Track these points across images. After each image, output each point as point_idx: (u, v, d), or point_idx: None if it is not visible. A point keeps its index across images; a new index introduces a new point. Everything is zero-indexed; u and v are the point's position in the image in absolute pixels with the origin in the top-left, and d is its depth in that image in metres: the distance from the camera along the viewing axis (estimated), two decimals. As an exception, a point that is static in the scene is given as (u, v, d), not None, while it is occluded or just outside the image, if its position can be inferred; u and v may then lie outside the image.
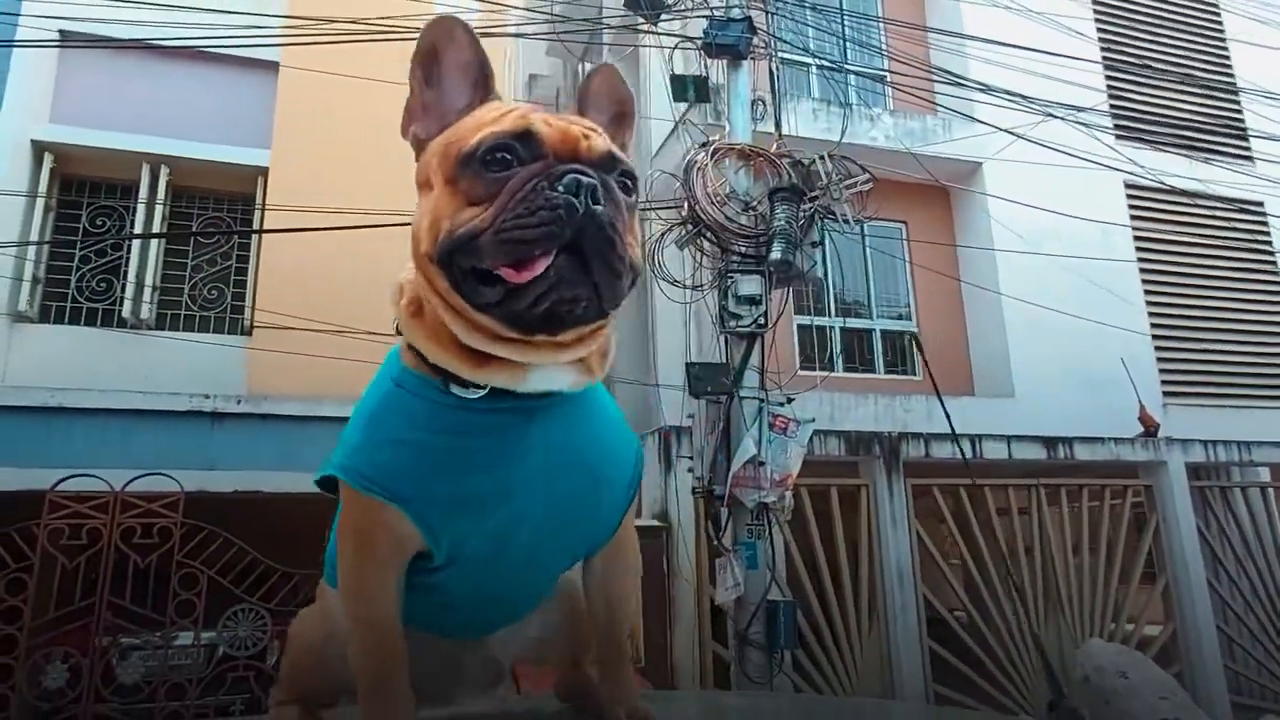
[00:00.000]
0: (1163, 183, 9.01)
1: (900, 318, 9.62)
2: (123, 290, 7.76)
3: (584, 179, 0.97)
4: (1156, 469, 8.37)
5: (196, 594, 5.70)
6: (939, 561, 7.63)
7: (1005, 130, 7.72)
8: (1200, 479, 8.62)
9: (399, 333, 1.13)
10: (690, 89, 6.26)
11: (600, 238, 0.97)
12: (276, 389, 7.18)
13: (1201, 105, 10.77)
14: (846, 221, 5.79)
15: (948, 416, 6.13)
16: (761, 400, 5.50)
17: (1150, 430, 8.49)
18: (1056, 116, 7.41)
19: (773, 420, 5.46)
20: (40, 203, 7.70)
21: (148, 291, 7.75)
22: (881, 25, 9.75)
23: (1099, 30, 10.48)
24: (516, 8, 8.63)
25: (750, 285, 5.55)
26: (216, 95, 8.29)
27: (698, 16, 6.26)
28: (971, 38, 8.56)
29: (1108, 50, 10.45)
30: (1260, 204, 10.38)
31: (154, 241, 7.92)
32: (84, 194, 8.20)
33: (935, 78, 8.63)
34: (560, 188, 0.96)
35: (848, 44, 9.62)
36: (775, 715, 1.76)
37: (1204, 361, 9.86)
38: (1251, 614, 8.51)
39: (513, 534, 1.13)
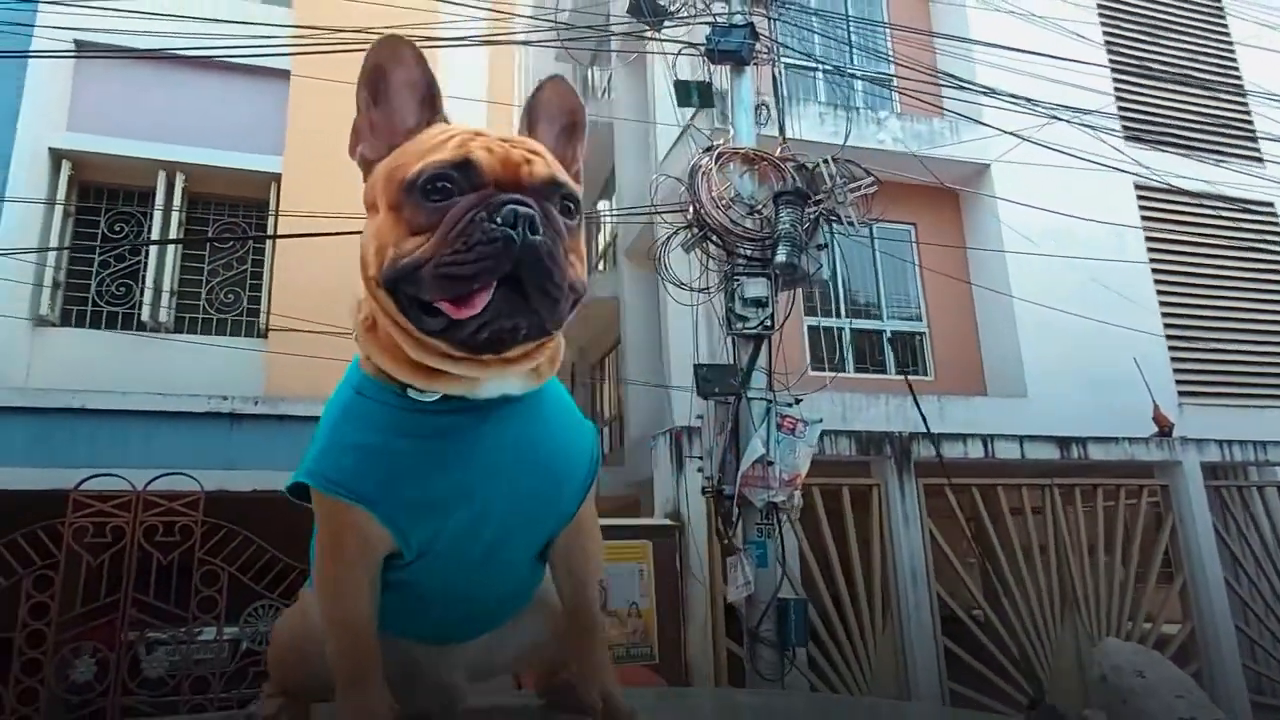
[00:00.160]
0: (1169, 184, 8.97)
1: (911, 318, 9.63)
2: (142, 295, 7.90)
3: (521, 209, 0.98)
4: (1172, 469, 8.34)
5: (218, 590, 5.82)
6: (953, 561, 7.64)
7: (1009, 133, 7.73)
8: (1217, 479, 8.59)
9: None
10: (694, 95, 6.31)
11: (539, 268, 0.98)
12: (292, 390, 7.29)
13: (1209, 107, 10.73)
14: (851, 224, 5.83)
15: (923, 416, 6.14)
16: (769, 401, 5.55)
17: (1165, 430, 8.47)
18: (1062, 119, 7.41)
19: (781, 420, 5.51)
20: (59, 209, 7.84)
21: (166, 296, 7.88)
22: (887, 30, 9.77)
23: (1105, 34, 10.46)
24: (521, 15, 8.71)
25: (756, 288, 5.60)
26: (230, 103, 8.43)
27: (700, 23, 6.32)
28: (977, 42, 8.58)
29: (1114, 53, 10.43)
30: (1270, 205, 10.37)
31: (171, 247, 8.06)
32: (102, 201, 8.35)
33: (940, 81, 8.64)
34: (498, 219, 0.97)
35: (853, 49, 9.63)
36: (788, 714, 1.75)
37: (1218, 361, 9.82)
38: (1273, 615, 8.47)
39: (477, 530, 1.15)
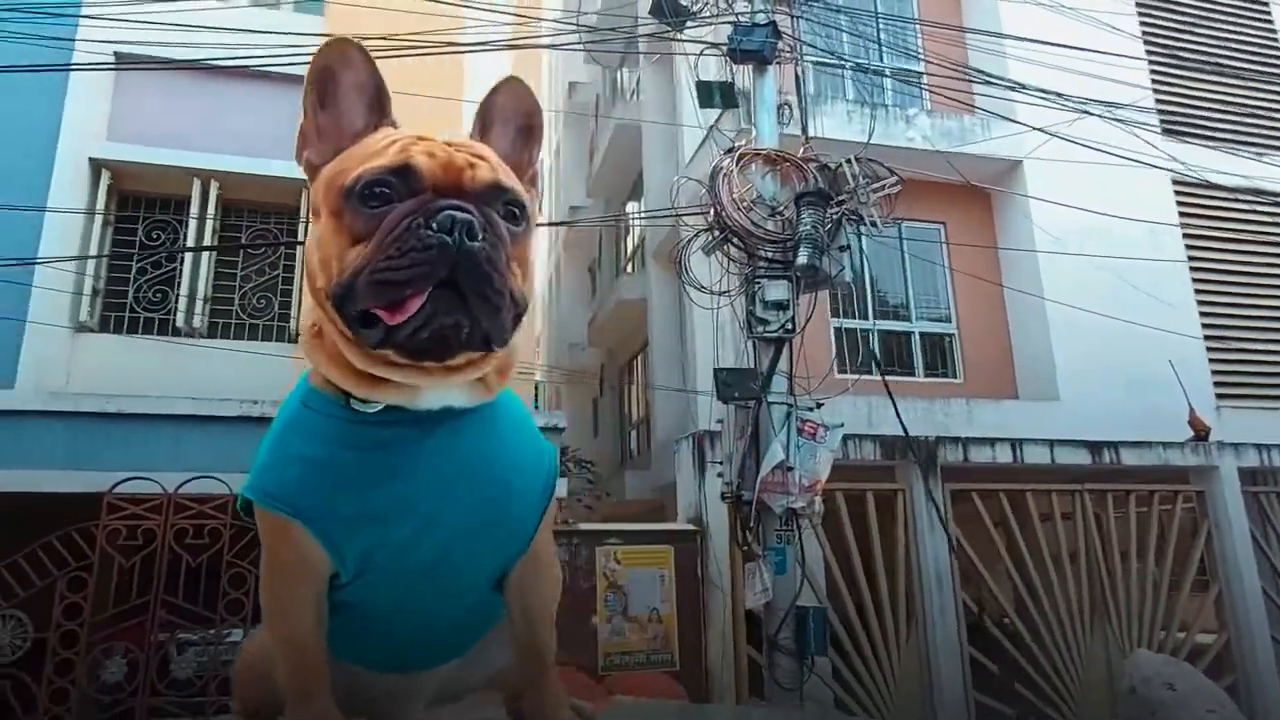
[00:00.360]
0: (1207, 180, 8.72)
1: (940, 319, 9.49)
2: (177, 301, 8.08)
3: (459, 215, 0.95)
4: (1208, 474, 8.13)
5: (245, 593, 5.92)
6: (980, 568, 7.52)
7: (1039, 129, 7.57)
8: (1255, 485, 8.34)
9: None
10: (716, 96, 6.28)
11: (476, 274, 0.95)
12: (321, 395, 7.37)
13: (1250, 99, 10.42)
14: (874, 224, 5.76)
15: (899, 418, 6.00)
16: (790, 405, 5.51)
17: (1201, 434, 8.24)
18: (1094, 114, 7.25)
19: (801, 425, 5.46)
20: (99, 218, 8.04)
21: (200, 302, 8.05)
22: (917, 26, 9.64)
23: (1142, 25, 10.20)
24: (546, 20, 8.75)
25: (777, 290, 5.56)
26: (262, 112, 8.57)
27: (723, 22, 6.28)
28: (1009, 36, 8.43)
29: (1151, 45, 10.18)
30: (1316, 200, 10.04)
31: (205, 253, 8.23)
32: (139, 209, 8.55)
33: (966, 76, 8.50)
34: (435, 225, 0.95)
35: (882, 45, 9.52)
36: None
37: (1258, 363, 9.52)
38: (1313, 626, 8.22)
39: (418, 544, 1.13)
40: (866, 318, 9.20)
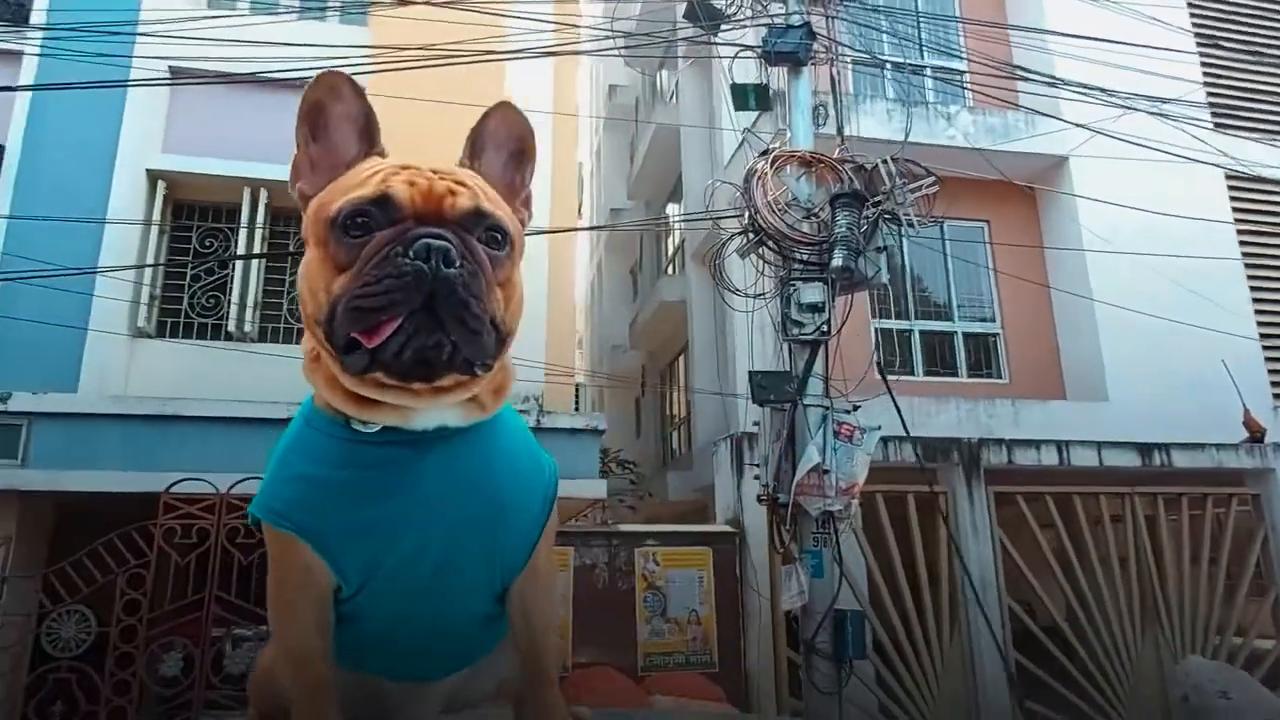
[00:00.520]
0: (1260, 175, 8.45)
1: (984, 319, 9.35)
2: (228, 306, 8.33)
3: (435, 243, 0.97)
4: (1264, 476, 7.87)
5: (294, 592, 6.06)
6: (1026, 572, 7.39)
7: (1082, 125, 7.41)
8: (1316, 487, 8.06)
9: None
10: (750, 98, 6.28)
11: (452, 300, 0.97)
12: (367, 398, 7.54)
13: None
14: (911, 225, 5.71)
15: (902, 420, 5.88)
16: (826, 408, 5.49)
17: (1257, 436, 7.99)
18: (1142, 110, 7.07)
19: (838, 428, 5.43)
20: (155, 228, 8.34)
21: (250, 309, 8.29)
22: (960, 24, 9.51)
23: (1193, 17, 9.90)
24: (580, 26, 8.82)
25: (812, 293, 5.54)
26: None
27: (757, 25, 6.28)
28: (1052, 32, 8.27)
29: (1203, 37, 9.87)
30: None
31: (256, 260, 8.47)
32: (193, 218, 8.83)
33: (1009, 73, 8.35)
34: (412, 253, 0.97)
35: (923, 44, 9.41)
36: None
37: (1319, 362, 9.21)
38: (1378, 632, 7.91)
39: (417, 560, 1.16)
40: (908, 318, 9.11)
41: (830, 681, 5.22)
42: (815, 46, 6.22)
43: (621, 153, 16.17)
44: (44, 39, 7.82)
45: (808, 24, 6.17)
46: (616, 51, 8.57)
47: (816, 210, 5.72)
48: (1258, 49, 9.99)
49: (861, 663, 5.86)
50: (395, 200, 1.03)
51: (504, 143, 1.21)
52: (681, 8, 7.52)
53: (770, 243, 5.73)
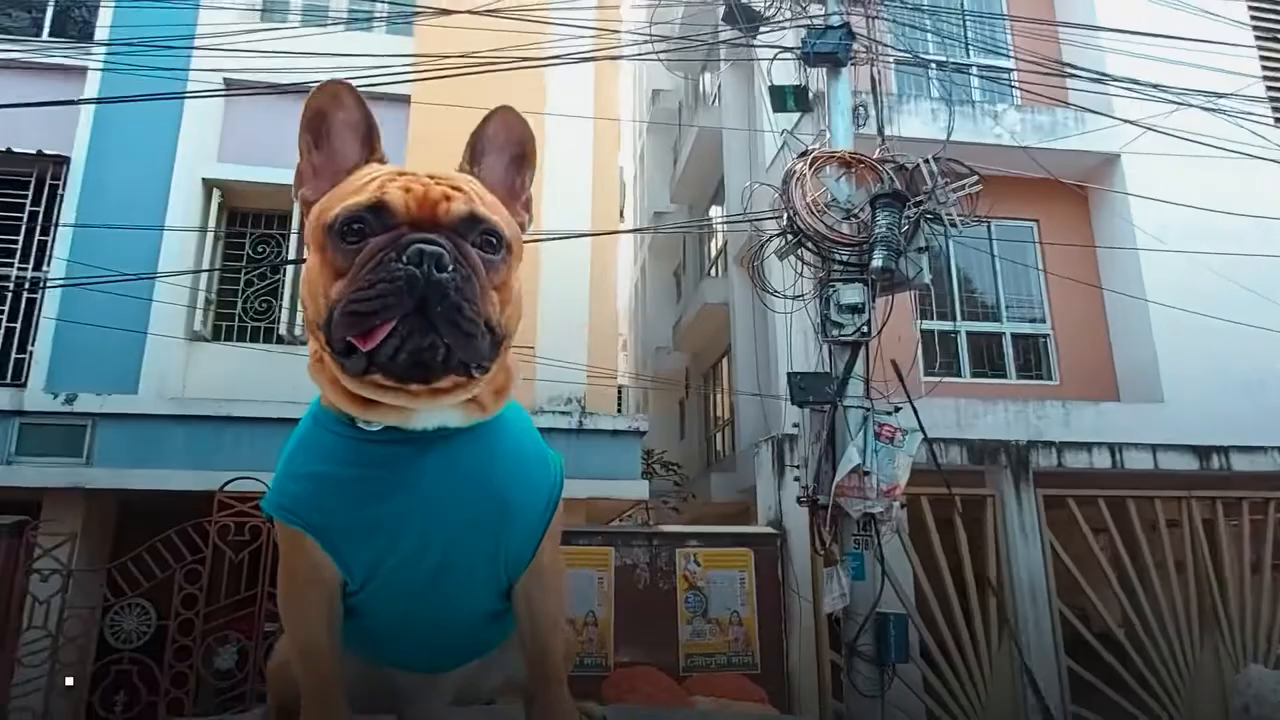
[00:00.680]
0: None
1: (1034, 320, 9.16)
2: (279, 310, 8.56)
3: (428, 248, 0.99)
4: (1330, 480, 7.60)
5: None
6: (1078, 577, 7.22)
7: (1132, 122, 7.22)
8: (1386, 490, 7.74)
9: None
10: (789, 100, 6.26)
11: (445, 304, 0.99)
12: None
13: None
14: (954, 224, 5.64)
15: (918, 418, 5.73)
16: (866, 409, 5.45)
17: (1321, 438, 7.71)
18: (1195, 105, 6.87)
19: (878, 429, 5.39)
20: (210, 234, 8.61)
21: (300, 313, 8.50)
22: (1007, 22, 9.34)
23: (1251, 10, 9.56)
24: (618, 31, 8.87)
25: (852, 294, 5.51)
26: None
27: (796, 26, 6.26)
28: (1103, 29, 8.08)
29: (1262, 31, 9.53)
30: None
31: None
32: (247, 224, 9.09)
33: (1053, 70, 8.17)
34: (405, 258, 0.99)
35: (969, 43, 9.27)
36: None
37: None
38: None
39: (419, 556, 1.17)
40: (954, 319, 8.97)
41: (872, 685, 5.17)
42: (855, 46, 6.19)
43: (665, 156, 16.21)
44: (106, 54, 8.14)
45: (847, 24, 6.13)
46: (656, 56, 8.59)
47: (856, 211, 5.69)
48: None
49: (908, 669, 5.80)
50: (390, 206, 1.05)
51: (504, 146, 1.23)
52: (722, 9, 7.54)
53: (809, 244, 5.71)
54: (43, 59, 8.35)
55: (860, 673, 5.21)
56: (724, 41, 8.28)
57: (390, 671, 1.36)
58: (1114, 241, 8.83)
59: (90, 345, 7.45)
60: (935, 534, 6.89)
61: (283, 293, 8.63)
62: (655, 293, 16.55)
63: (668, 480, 12.07)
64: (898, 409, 5.51)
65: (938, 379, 6.93)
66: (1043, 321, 9.11)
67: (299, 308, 8.37)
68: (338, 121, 1.18)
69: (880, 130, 6.08)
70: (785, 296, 5.95)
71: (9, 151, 7.74)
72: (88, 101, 7.99)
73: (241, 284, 8.89)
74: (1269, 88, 9.18)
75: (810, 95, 6.62)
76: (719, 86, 12.29)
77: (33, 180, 8.00)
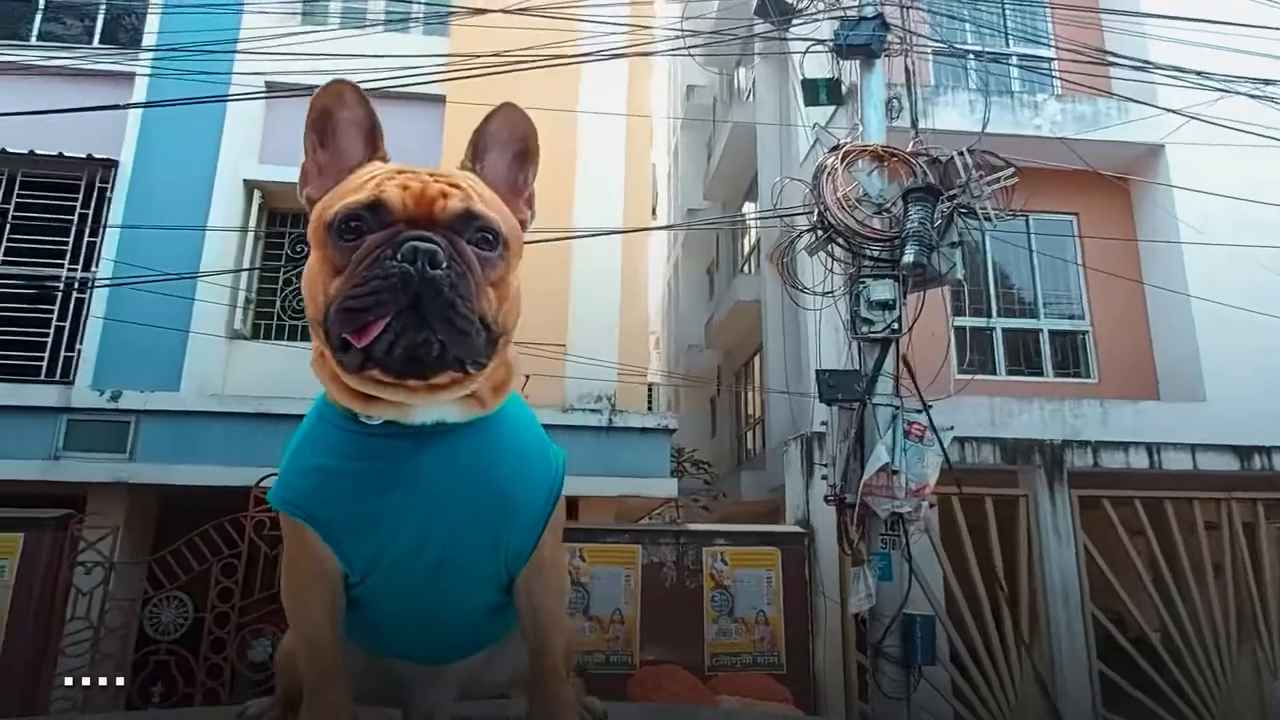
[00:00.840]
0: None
1: (1072, 316, 8.98)
2: (316, 309, 8.71)
3: (422, 245, 1.01)
4: (1379, 482, 7.34)
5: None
6: (1112, 580, 7.07)
7: (1176, 111, 7.01)
8: None
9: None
10: (821, 94, 6.20)
11: (439, 301, 1.00)
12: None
13: None
14: (989, 218, 5.55)
15: (930, 417, 5.61)
16: (896, 407, 5.39)
17: (1371, 438, 7.45)
18: (1242, 93, 6.66)
19: (908, 427, 5.33)
20: (251, 235, 8.79)
21: (323, 310, 8.64)
22: (1048, 9, 9.15)
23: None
24: (648, 27, 8.86)
25: (883, 290, 5.45)
26: (392, 132, 9.00)
27: (829, 18, 6.20)
28: (1150, 15, 7.86)
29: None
30: None
31: (341, 264, 8.82)
32: (286, 225, 9.26)
33: (1095, 59, 7.98)
34: (400, 256, 1.00)
35: (1009, 32, 9.10)
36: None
37: None
38: None
39: (418, 550, 1.19)
40: (990, 315, 8.82)
41: (898, 687, 5.12)
42: (889, 38, 6.10)
43: (699, 153, 16.18)
44: (153, 60, 8.35)
45: (880, 15, 6.06)
46: (689, 52, 8.57)
47: (888, 205, 5.62)
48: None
49: (937, 672, 5.73)
50: (387, 204, 1.06)
51: (507, 143, 1.24)
52: (755, 3, 7.50)
53: (839, 239, 5.65)
54: (92, 66, 8.58)
55: (886, 674, 5.16)
56: (757, 35, 8.24)
57: (394, 663, 1.38)
58: (1156, 235, 8.61)
59: (135, 343, 7.65)
60: (966, 535, 6.79)
61: (319, 291, 8.78)
62: (688, 290, 16.52)
63: (698, 478, 12.06)
64: (929, 407, 5.43)
65: (970, 376, 6.81)
66: (1081, 318, 8.92)
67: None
68: (342, 120, 1.21)
69: (914, 123, 5.99)
70: (815, 293, 5.90)
71: (61, 156, 7.97)
72: (135, 106, 8.20)
73: (280, 283, 9.06)
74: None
75: (844, 88, 6.55)
76: (753, 81, 12.23)
77: (82, 183, 8.23)
